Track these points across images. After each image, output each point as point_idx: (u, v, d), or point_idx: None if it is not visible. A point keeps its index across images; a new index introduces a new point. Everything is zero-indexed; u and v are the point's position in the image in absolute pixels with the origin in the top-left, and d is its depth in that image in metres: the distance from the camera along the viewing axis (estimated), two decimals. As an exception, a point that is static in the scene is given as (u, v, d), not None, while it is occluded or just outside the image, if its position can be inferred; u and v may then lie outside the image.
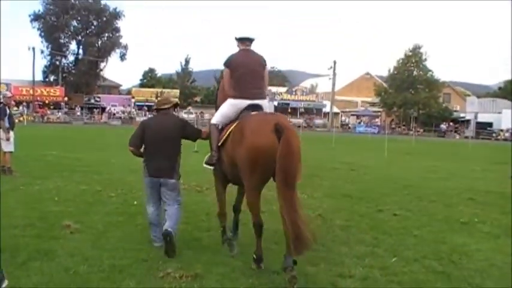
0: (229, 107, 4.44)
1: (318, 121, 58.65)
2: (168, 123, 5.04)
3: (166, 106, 5.20)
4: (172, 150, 4.94)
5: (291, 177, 3.81)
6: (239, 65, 4.43)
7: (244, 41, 4.58)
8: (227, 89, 4.48)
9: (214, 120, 4.63)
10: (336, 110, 62.79)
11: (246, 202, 4.42)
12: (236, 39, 4.62)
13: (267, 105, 4.68)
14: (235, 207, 5.00)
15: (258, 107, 4.40)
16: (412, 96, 54.67)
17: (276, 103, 59.85)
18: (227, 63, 4.51)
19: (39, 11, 57.98)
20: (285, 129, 3.78)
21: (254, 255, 4.19)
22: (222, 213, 4.82)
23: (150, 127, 5.10)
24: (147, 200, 4.96)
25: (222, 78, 4.66)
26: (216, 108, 4.77)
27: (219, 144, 4.39)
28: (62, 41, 58.52)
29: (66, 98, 54.42)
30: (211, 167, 4.61)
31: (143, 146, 5.08)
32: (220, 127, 4.51)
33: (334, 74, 58.45)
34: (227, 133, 4.28)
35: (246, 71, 4.41)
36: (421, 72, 55.36)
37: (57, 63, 58.66)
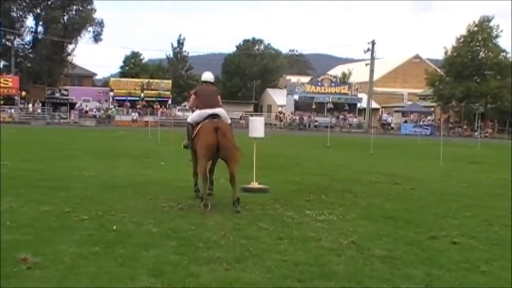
0: (198, 114, 9.12)
1: (352, 120, 58.58)
2: None
3: None
4: None
5: (230, 154, 8.49)
6: (202, 93, 9.37)
7: (206, 82, 9.70)
8: (193, 105, 9.74)
9: (189, 120, 9.42)
10: (375, 105, 62.81)
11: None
12: (201, 80, 9.82)
13: (223, 112, 9.16)
14: (209, 170, 9.41)
15: (215, 115, 8.87)
16: (477, 85, 54.24)
17: (296, 97, 59.94)
18: (195, 92, 9.58)
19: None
20: (219, 128, 8.41)
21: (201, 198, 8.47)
22: (195, 173, 9.44)
23: None
24: None
25: (193, 94, 9.72)
26: (190, 108, 10.73)
27: (193, 137, 9.02)
28: (14, 14, 57.97)
29: (21, 91, 54.36)
30: (186, 149, 9.62)
31: None
32: (193, 124, 9.16)
33: (373, 59, 58.40)
34: (196, 131, 8.86)
35: (205, 95, 9.27)
36: (490, 53, 54.90)
37: (9, 44, 58.34)
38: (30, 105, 53.68)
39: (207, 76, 9.74)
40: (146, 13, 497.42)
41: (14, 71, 55.98)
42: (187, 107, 53.33)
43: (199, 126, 8.77)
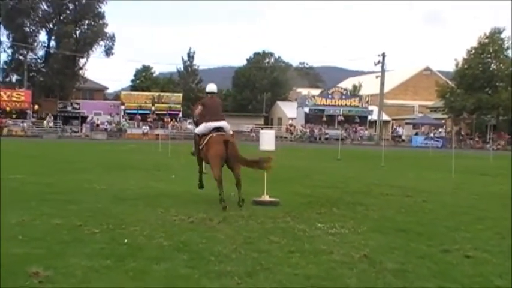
0: (205, 126, 10.25)
1: (363, 132, 58.54)
2: None
3: None
4: None
5: (237, 163, 9.89)
6: (208, 105, 10.47)
7: (211, 93, 10.85)
8: (198, 115, 10.63)
9: (197, 131, 10.59)
10: (385, 117, 62.70)
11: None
12: (206, 92, 11.12)
13: (226, 124, 10.36)
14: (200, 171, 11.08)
15: (220, 128, 10.12)
16: (489, 97, 54.01)
17: (306, 110, 60.03)
18: (202, 103, 10.67)
19: (-7, -12, 56.96)
20: (228, 141, 9.72)
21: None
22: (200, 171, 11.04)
23: None
24: None
25: (200, 105, 10.81)
26: (193, 120, 11.50)
27: (200, 147, 10.31)
28: (27, 29, 58.70)
29: (34, 105, 54.75)
30: (193, 155, 10.96)
31: None
32: (199, 135, 10.42)
33: (383, 71, 58.41)
34: (205, 142, 10.07)
35: (213, 107, 10.40)
36: (501, 65, 54.71)
37: (22, 58, 58.92)
38: (45, 121, 53.81)
39: (212, 87, 10.95)
40: (157, 27, 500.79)
41: (26, 85, 56.50)
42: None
43: (208, 138, 10.04)
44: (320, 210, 9.65)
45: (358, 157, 29.60)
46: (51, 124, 53.97)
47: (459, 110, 55.92)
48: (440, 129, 60.16)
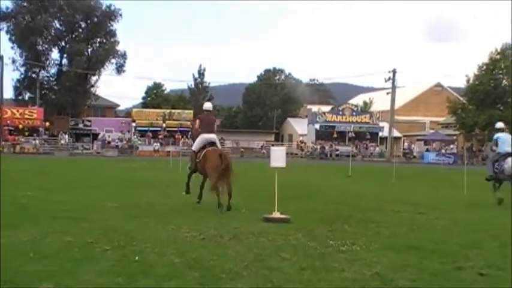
0: (199, 139, 12.24)
1: (374, 149, 58.42)
2: None
3: None
4: None
5: (228, 173, 11.19)
6: (203, 120, 12.55)
7: (207, 110, 12.75)
8: (197, 128, 12.56)
9: (193, 148, 12.59)
10: (396, 133, 62.56)
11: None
12: (204, 109, 12.91)
13: (216, 138, 12.39)
14: (201, 185, 12.48)
15: (213, 142, 12.13)
16: (500, 113, 53.71)
17: (317, 126, 60.01)
18: (199, 118, 12.81)
19: (7, 8, 57.80)
20: (222, 154, 11.69)
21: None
22: (188, 182, 12.85)
23: None
24: None
25: (197, 119, 13.12)
26: (193, 140, 13.32)
27: (197, 161, 12.15)
28: (39, 47, 59.40)
29: (46, 122, 55.17)
30: (190, 169, 12.82)
31: None
32: (196, 151, 12.39)
33: (394, 87, 58.34)
34: (201, 156, 11.98)
35: (206, 122, 12.51)
36: (513, 81, 54.47)
37: (34, 76, 59.51)
38: (63, 140, 54.00)
39: (208, 106, 13.20)
40: (168, 44, 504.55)
41: (38, 102, 57.04)
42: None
43: (204, 152, 12.02)
44: (331, 227, 9.62)
45: (369, 174, 29.51)
46: (62, 142, 54.30)
47: (471, 126, 55.71)
48: (451, 146, 59.88)
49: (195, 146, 12.55)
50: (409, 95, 74.93)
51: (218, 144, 12.52)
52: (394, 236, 9.14)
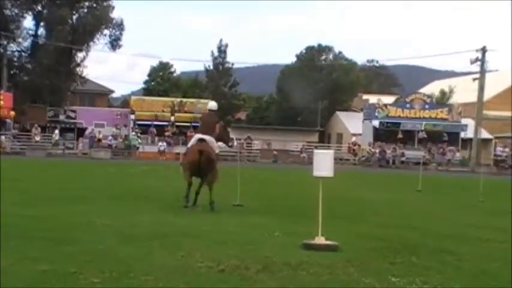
0: (194, 138, 15.75)
1: (453, 154, 57.84)
2: None
3: None
4: None
5: (208, 173, 14.89)
6: (203, 119, 16.95)
7: (210, 110, 16.38)
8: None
9: (188, 146, 16.39)
10: (485, 134, 61.77)
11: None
12: (207, 108, 17.19)
13: (211, 138, 14.98)
14: (197, 191, 15.39)
15: (202, 139, 14.99)
16: None
17: (376, 123, 59.71)
18: (200, 118, 21.73)
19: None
20: (203, 151, 14.52)
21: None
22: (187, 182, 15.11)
23: None
24: None
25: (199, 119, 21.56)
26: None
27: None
28: (7, 12, 58.72)
29: (15, 112, 55.02)
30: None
31: None
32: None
33: (483, 71, 57.57)
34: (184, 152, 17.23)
35: (204, 122, 16.26)
36: None
37: (0, 51, 59.19)
38: (38, 136, 53.82)
39: (212, 105, 16.35)
40: (178, 14, 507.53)
41: (6, 86, 55.55)
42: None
43: (186, 149, 15.81)
44: (394, 259, 9.56)
45: (447, 188, 29.27)
46: (37, 138, 54.44)
47: None
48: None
49: (189, 144, 16.24)
50: (503, 83, 73.85)
51: (210, 144, 15.04)
52: (482, 274, 9.03)
